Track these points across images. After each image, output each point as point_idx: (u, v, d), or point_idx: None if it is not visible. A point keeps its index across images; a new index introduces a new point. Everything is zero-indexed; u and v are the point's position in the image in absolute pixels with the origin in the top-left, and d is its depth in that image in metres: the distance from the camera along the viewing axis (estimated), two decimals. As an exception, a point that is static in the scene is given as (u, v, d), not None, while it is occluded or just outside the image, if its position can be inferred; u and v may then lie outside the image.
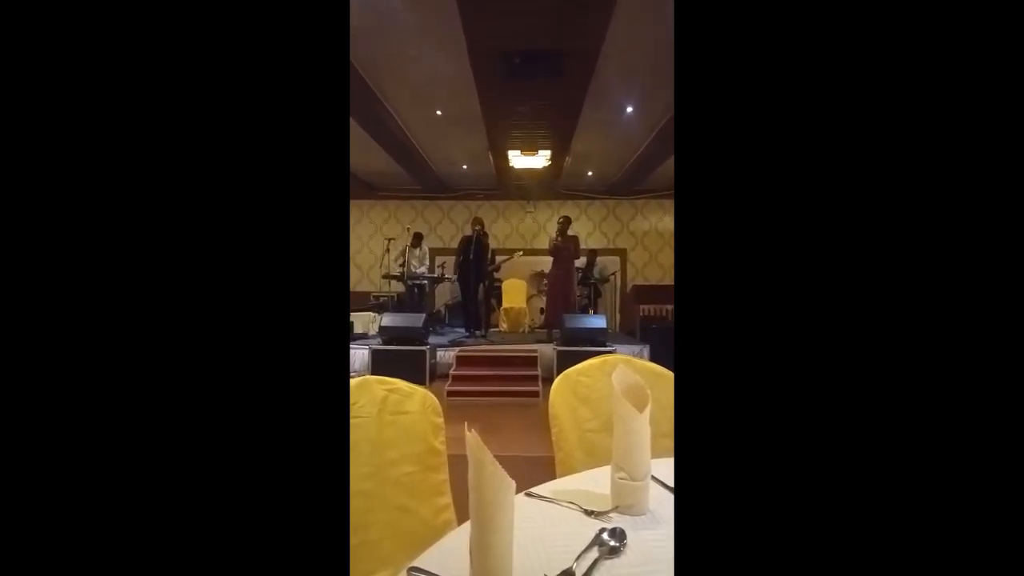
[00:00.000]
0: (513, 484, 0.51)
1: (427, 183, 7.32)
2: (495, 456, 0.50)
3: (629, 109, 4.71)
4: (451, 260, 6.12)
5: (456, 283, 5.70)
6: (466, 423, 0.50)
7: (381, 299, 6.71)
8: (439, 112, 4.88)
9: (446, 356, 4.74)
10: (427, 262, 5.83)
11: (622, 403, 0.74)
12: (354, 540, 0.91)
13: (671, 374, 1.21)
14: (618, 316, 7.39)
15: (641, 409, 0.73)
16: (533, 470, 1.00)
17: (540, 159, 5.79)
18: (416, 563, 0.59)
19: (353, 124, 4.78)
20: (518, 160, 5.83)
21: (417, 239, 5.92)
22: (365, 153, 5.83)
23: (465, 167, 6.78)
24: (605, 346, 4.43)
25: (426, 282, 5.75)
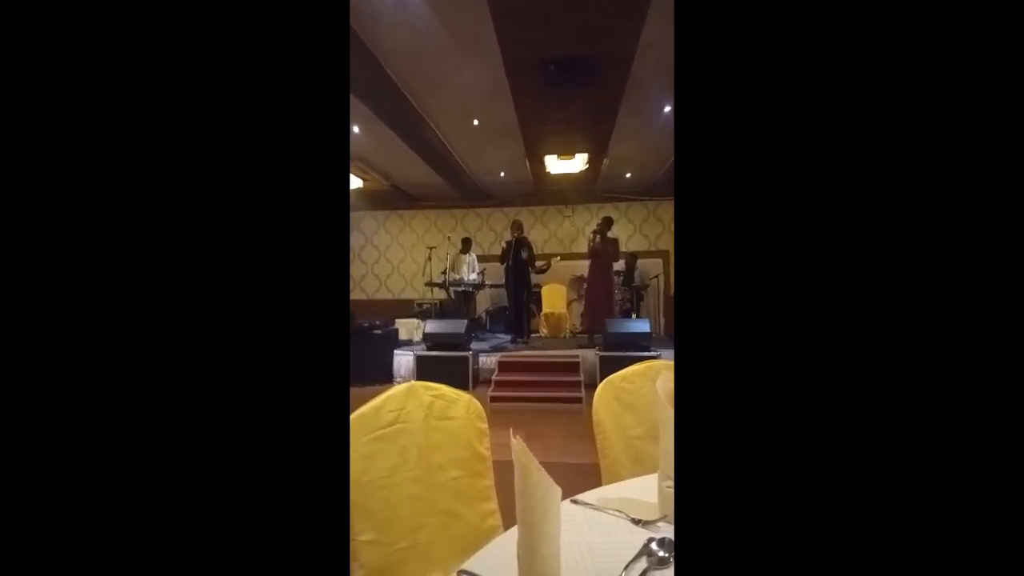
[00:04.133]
0: (559, 490, 0.51)
1: (466, 192, 7.44)
2: (540, 463, 0.51)
3: (667, 108, 4.61)
4: (490, 267, 6.18)
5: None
6: (511, 430, 0.51)
7: (424, 306, 6.87)
8: (476, 122, 4.97)
9: (488, 361, 4.79)
10: (477, 268, 5.90)
11: (667, 410, 0.72)
12: (405, 543, 0.94)
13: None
14: (662, 320, 7.21)
15: (688, 416, 0.71)
16: (577, 477, 0.99)
17: (577, 163, 5.76)
18: (465, 566, 0.60)
19: (394, 137, 4.94)
20: (555, 165, 5.83)
21: (466, 245, 6.00)
22: (406, 165, 6.01)
23: (503, 174, 6.85)
24: (649, 351, 4.33)
25: (472, 289, 5.82)
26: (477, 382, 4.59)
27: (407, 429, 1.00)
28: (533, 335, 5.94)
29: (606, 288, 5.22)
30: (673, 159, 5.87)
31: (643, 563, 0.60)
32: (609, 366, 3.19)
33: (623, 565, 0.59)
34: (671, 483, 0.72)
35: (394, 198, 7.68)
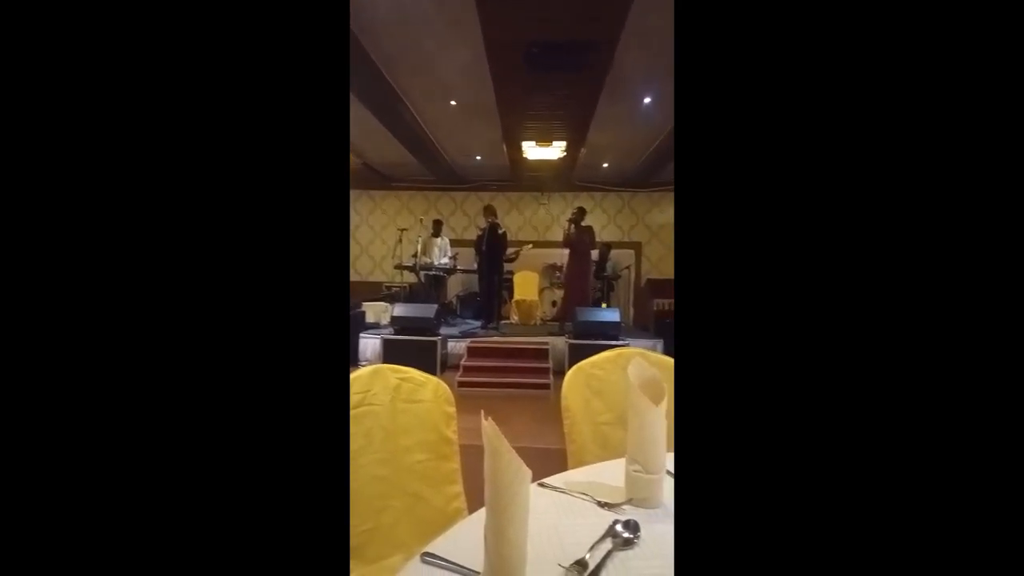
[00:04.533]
0: (529, 473, 0.51)
1: (440, 174, 7.31)
2: None
3: (647, 100, 4.64)
4: (463, 252, 6.12)
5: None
6: (482, 412, 0.50)
7: (393, 289, 6.75)
8: (453, 103, 4.87)
9: (457, 347, 4.77)
10: (449, 252, 5.82)
11: (638, 396, 0.73)
12: (368, 524, 0.92)
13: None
14: (632, 310, 7.35)
15: (657, 402, 0.72)
16: (544, 462, 0.99)
17: (555, 150, 5.74)
18: (429, 548, 0.59)
19: (368, 115, 4.78)
20: (532, 151, 5.79)
21: (437, 228, 5.90)
22: (379, 143, 5.84)
23: (479, 158, 6.76)
24: (618, 340, 4.41)
25: (443, 273, 5.75)
26: (445, 367, 4.57)
27: (373, 411, 0.98)
28: (503, 322, 5.94)
29: (584, 276, 5.27)
30: (649, 151, 5.94)
31: (608, 544, 0.60)
32: (578, 354, 3.22)
33: (588, 546, 0.59)
34: (638, 467, 0.72)
35: (366, 177, 7.46)
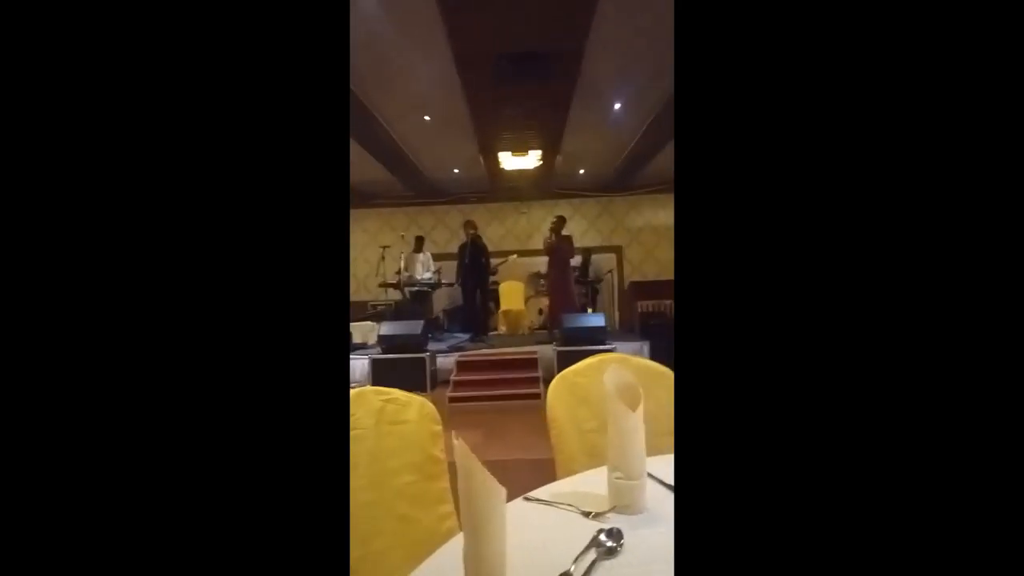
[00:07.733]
0: (504, 491, 0.51)
1: (419, 189, 7.33)
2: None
3: (617, 106, 4.72)
4: (447, 265, 6.12)
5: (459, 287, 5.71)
6: (453, 432, 0.50)
7: (379, 308, 6.70)
8: (427, 118, 4.89)
9: (447, 362, 4.74)
10: (432, 267, 5.81)
11: (615, 402, 0.74)
12: (359, 552, 0.91)
13: (670, 372, 1.21)
14: (617, 314, 7.40)
15: (634, 408, 0.73)
16: (537, 473, 0.99)
17: (531, 159, 5.81)
18: (414, 574, 0.59)
19: (342, 134, 4.79)
20: (509, 161, 5.85)
21: (419, 243, 5.89)
22: (356, 162, 5.83)
23: (457, 171, 6.79)
24: (605, 344, 4.43)
25: (428, 288, 5.74)
26: (436, 383, 4.53)
27: (357, 436, 0.97)
28: (491, 333, 5.94)
29: (565, 281, 5.31)
30: (624, 155, 6.03)
31: (592, 554, 0.61)
32: (566, 360, 3.21)
33: (573, 559, 0.59)
34: (620, 474, 0.73)
35: (345, 196, 7.44)
